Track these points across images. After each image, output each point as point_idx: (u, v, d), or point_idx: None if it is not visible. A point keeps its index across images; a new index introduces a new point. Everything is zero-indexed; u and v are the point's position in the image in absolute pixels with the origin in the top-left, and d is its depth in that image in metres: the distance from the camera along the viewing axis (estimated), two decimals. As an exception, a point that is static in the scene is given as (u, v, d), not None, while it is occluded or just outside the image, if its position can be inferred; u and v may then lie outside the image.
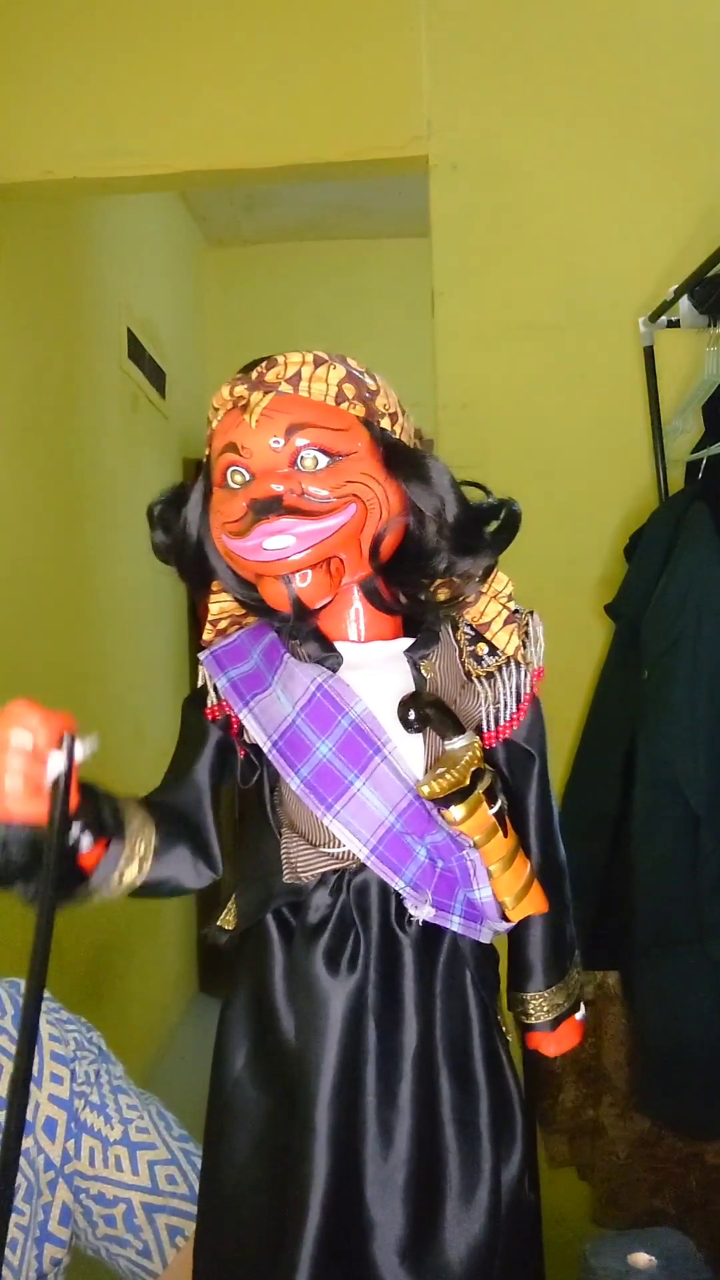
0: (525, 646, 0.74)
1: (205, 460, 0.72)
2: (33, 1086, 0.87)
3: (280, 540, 0.65)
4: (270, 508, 0.65)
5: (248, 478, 0.67)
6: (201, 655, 0.74)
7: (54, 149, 1.94)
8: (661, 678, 1.50)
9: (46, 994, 0.93)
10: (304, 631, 0.72)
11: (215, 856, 0.75)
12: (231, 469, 0.68)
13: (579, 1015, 0.80)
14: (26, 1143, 0.85)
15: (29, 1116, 0.86)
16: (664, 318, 1.74)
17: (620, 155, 1.84)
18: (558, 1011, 0.78)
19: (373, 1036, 0.69)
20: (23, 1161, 0.85)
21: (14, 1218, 0.82)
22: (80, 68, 1.93)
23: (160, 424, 3.35)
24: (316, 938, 0.69)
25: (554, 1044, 0.79)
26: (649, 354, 1.78)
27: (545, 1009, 0.78)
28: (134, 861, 0.69)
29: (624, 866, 1.55)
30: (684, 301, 1.69)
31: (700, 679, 1.46)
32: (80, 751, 0.62)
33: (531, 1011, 0.78)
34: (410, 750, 0.70)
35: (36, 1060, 0.88)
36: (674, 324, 1.73)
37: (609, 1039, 1.62)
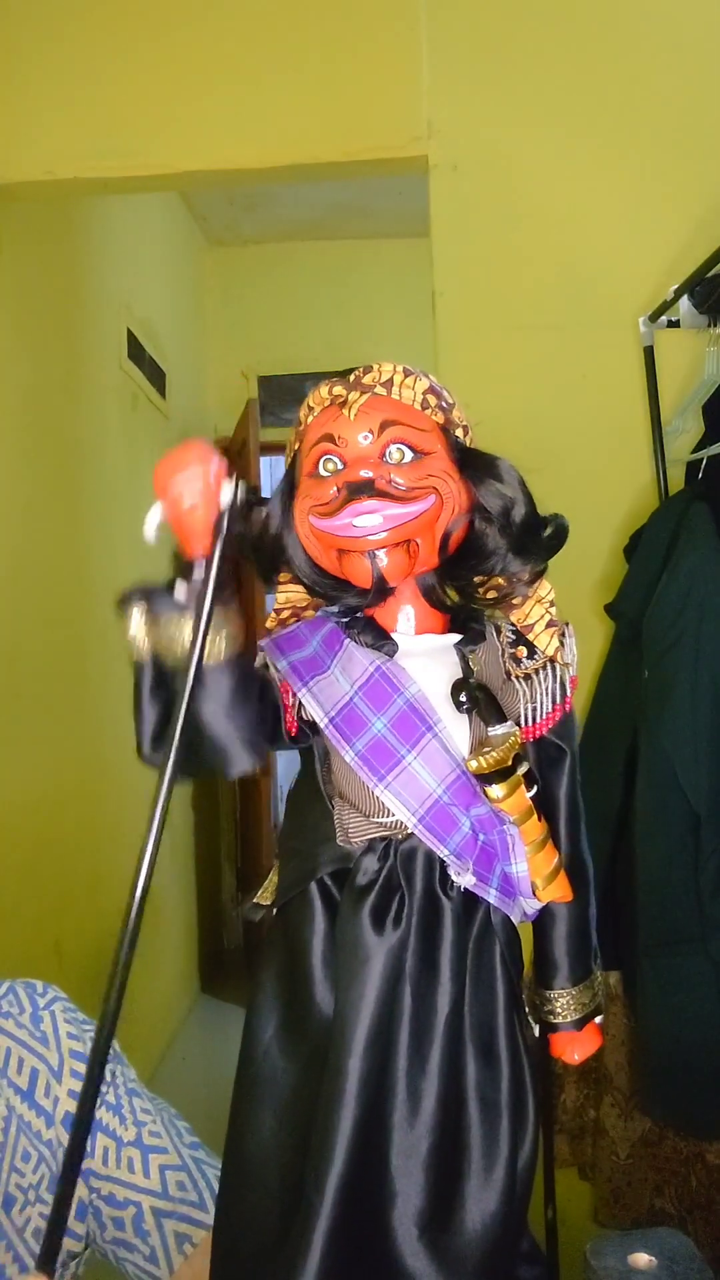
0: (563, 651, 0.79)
1: (292, 457, 0.79)
2: (52, 1081, 0.88)
3: (369, 519, 0.73)
4: (363, 489, 0.73)
5: (340, 465, 0.74)
6: (261, 643, 0.79)
7: (54, 149, 1.94)
8: (662, 677, 1.50)
9: (63, 995, 0.94)
10: (361, 622, 0.78)
11: (262, 747, 0.75)
12: (325, 458, 0.75)
13: (598, 1019, 0.81)
14: (48, 1135, 0.86)
15: (49, 1109, 0.87)
16: (664, 318, 1.74)
17: (620, 155, 1.84)
18: (584, 1011, 0.80)
19: (408, 997, 0.73)
20: (46, 1152, 0.86)
21: (38, 1208, 0.84)
22: (80, 68, 1.93)
23: (160, 424, 3.35)
24: (364, 897, 0.73)
25: (579, 1047, 0.80)
26: (649, 354, 1.78)
27: (572, 1008, 0.79)
28: (223, 634, 0.71)
29: (625, 866, 1.55)
30: (684, 301, 1.69)
31: (701, 679, 1.46)
32: (241, 491, 0.70)
33: (559, 1010, 0.79)
34: (458, 731, 0.76)
35: (56, 1055, 0.90)
36: (674, 324, 1.73)
37: (610, 1039, 1.62)
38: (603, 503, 1.82)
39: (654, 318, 1.75)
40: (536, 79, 1.86)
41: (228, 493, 0.68)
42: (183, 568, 0.69)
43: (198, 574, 0.68)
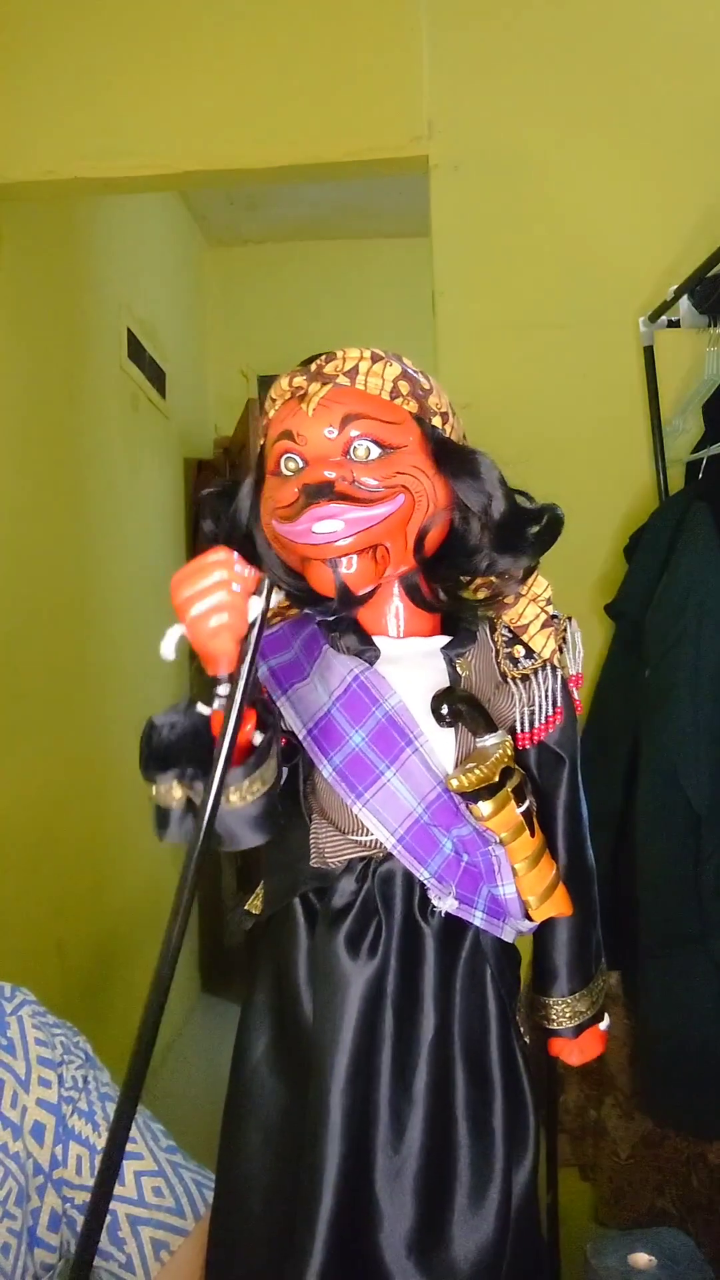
0: (563, 651, 0.74)
1: (259, 451, 0.74)
2: (19, 1090, 0.85)
3: (329, 525, 0.67)
4: (322, 492, 0.67)
5: (301, 465, 0.69)
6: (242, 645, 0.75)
7: (54, 149, 1.94)
8: (663, 677, 1.50)
9: (32, 998, 0.91)
10: (344, 624, 0.73)
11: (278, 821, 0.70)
12: (286, 456, 0.69)
13: (603, 1025, 0.79)
14: (15, 1147, 0.84)
15: (16, 1120, 0.85)
16: (664, 318, 1.74)
17: (621, 155, 1.84)
18: (581, 1019, 0.77)
19: (390, 1023, 0.69)
20: (13, 1166, 0.83)
21: (6, 1222, 0.81)
22: (81, 68, 1.93)
23: (160, 424, 3.34)
24: (339, 922, 0.70)
25: (577, 1052, 0.78)
26: (649, 354, 1.78)
27: (568, 1015, 0.77)
28: (268, 776, 0.64)
29: (626, 866, 1.55)
30: (684, 301, 1.69)
31: (701, 678, 1.46)
32: (274, 600, 0.62)
33: (554, 1017, 0.77)
34: (442, 745, 0.71)
35: (23, 1064, 0.86)
36: (674, 324, 1.73)
37: (611, 1039, 1.62)
38: (603, 503, 1.82)
39: (654, 318, 1.75)
40: (537, 79, 1.86)
41: (256, 606, 0.60)
42: (205, 686, 0.61)
43: (221, 692, 0.60)
